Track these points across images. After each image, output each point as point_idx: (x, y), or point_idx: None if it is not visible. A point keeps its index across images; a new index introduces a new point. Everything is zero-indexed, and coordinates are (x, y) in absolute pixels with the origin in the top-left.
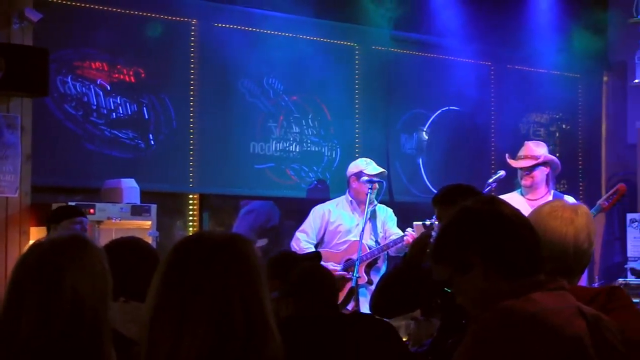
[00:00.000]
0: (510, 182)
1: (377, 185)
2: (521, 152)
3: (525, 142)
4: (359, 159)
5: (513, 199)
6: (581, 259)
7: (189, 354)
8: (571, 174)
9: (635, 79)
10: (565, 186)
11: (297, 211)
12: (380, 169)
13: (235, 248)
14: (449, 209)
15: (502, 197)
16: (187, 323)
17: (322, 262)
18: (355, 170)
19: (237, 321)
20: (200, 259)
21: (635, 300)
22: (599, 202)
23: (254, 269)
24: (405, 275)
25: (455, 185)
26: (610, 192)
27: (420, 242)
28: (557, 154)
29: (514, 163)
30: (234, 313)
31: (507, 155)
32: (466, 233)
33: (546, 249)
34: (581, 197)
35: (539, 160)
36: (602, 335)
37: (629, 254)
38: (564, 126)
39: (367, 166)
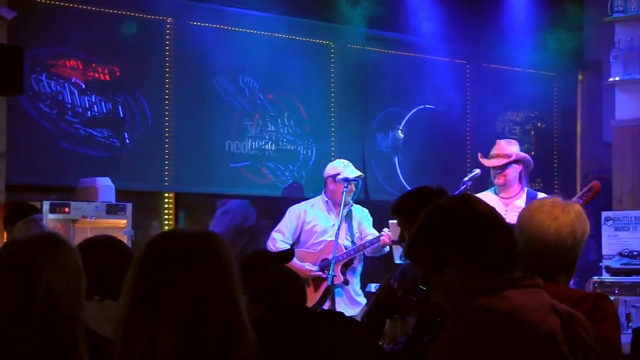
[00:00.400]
0: (484, 181)
1: (353, 187)
2: (493, 151)
3: (497, 140)
4: (337, 161)
5: (486, 197)
6: (563, 255)
7: (163, 352)
8: (546, 172)
9: (610, 78)
10: (541, 184)
11: (273, 210)
12: (358, 172)
13: (209, 246)
14: (403, 218)
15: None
16: (162, 321)
17: (298, 262)
18: (333, 172)
19: (211, 319)
20: (173, 256)
21: (610, 297)
22: (573, 199)
23: (227, 267)
24: (376, 314)
25: (411, 194)
26: (584, 189)
27: (385, 286)
28: (533, 152)
29: (486, 162)
30: (208, 311)
31: (479, 154)
32: (441, 231)
33: (529, 243)
34: (556, 195)
35: (511, 159)
36: (576, 333)
37: (604, 251)
38: (539, 124)
39: (345, 169)
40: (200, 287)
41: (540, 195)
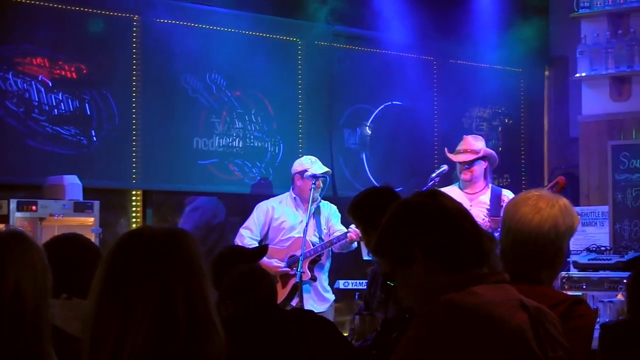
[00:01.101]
0: (449, 175)
1: (320, 183)
2: (460, 146)
3: (464, 136)
4: (304, 157)
5: (452, 192)
6: (544, 247)
7: (132, 351)
8: (514, 167)
9: (576, 73)
10: (508, 180)
11: (241, 207)
12: (326, 168)
13: (178, 243)
14: (361, 218)
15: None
16: (131, 319)
17: (266, 259)
18: (300, 169)
19: (181, 317)
20: (143, 254)
21: (577, 293)
22: None
23: (197, 265)
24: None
25: (367, 193)
26: (550, 184)
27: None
28: (500, 148)
29: (453, 157)
30: (177, 309)
31: (446, 149)
32: (407, 227)
33: (511, 234)
34: (523, 190)
35: (479, 155)
36: (544, 328)
37: (571, 247)
38: (506, 120)
39: (312, 165)
40: (169, 285)
41: (505, 191)
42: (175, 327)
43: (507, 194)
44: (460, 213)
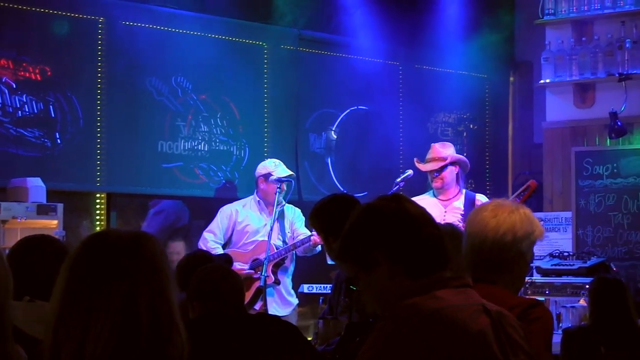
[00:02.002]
0: (423, 184)
1: (284, 187)
2: (428, 155)
3: (432, 144)
4: (268, 160)
5: (425, 200)
6: (500, 252)
7: (93, 352)
8: (478, 173)
9: (541, 80)
10: (473, 185)
11: (206, 210)
12: (289, 172)
13: (142, 246)
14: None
15: (415, 199)
16: (93, 321)
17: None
18: (264, 172)
19: (143, 320)
20: (106, 256)
21: (540, 298)
22: (510, 198)
23: (160, 267)
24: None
25: (329, 200)
26: (522, 188)
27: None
28: (465, 154)
29: (422, 167)
30: (140, 312)
31: (415, 159)
32: (370, 231)
33: (469, 239)
34: (488, 196)
35: (447, 161)
36: (505, 332)
37: (535, 252)
38: (471, 126)
39: (276, 168)
40: (132, 287)
41: (479, 196)
42: (137, 328)
43: (481, 199)
44: (423, 217)
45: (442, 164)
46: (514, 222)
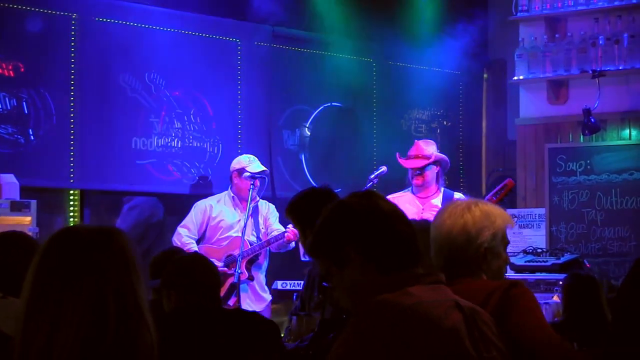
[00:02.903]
0: (402, 181)
1: (258, 183)
2: (412, 152)
3: (415, 141)
4: (242, 156)
5: (404, 197)
6: (459, 252)
7: (63, 345)
8: (452, 169)
9: (514, 76)
10: (447, 182)
11: (180, 207)
12: (263, 167)
13: (111, 240)
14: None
15: (393, 195)
16: (62, 315)
17: None
18: (238, 167)
19: (111, 313)
20: (74, 251)
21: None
22: (487, 197)
23: (129, 261)
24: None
25: (300, 195)
26: (498, 187)
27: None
28: (439, 150)
29: (405, 163)
30: (108, 305)
31: (397, 154)
32: (342, 228)
33: (431, 242)
34: (463, 192)
35: (430, 160)
36: (478, 328)
37: (508, 249)
38: (445, 123)
39: (250, 164)
40: (100, 281)
41: (457, 194)
42: (105, 322)
43: (460, 197)
44: (395, 214)
45: (426, 162)
46: (465, 222)
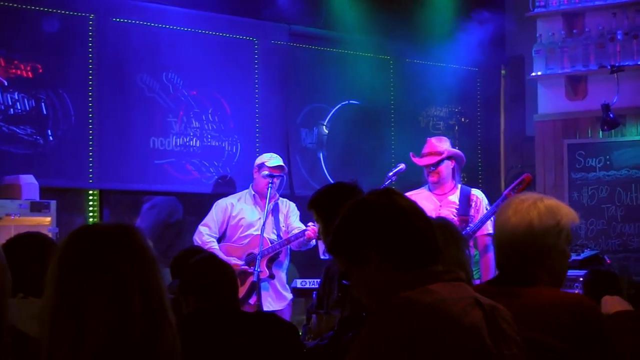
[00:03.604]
0: (419, 178)
1: (277, 181)
2: (424, 149)
3: (428, 138)
4: (266, 153)
5: (421, 194)
6: (523, 249)
7: (91, 345)
8: (470, 166)
9: (532, 72)
10: (465, 179)
11: (198, 206)
12: (280, 163)
13: (129, 237)
14: (317, 213)
15: (410, 193)
16: (89, 314)
17: (225, 257)
18: (259, 162)
19: (137, 311)
20: (95, 248)
21: None
22: (505, 192)
23: (150, 258)
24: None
25: (325, 189)
26: (516, 182)
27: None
28: (457, 147)
29: (418, 161)
30: (134, 303)
31: (411, 153)
32: (361, 226)
33: (495, 239)
34: (481, 189)
35: (443, 156)
36: (498, 325)
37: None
38: (463, 120)
39: (270, 159)
40: (124, 278)
41: (474, 191)
42: (132, 319)
43: (477, 194)
44: (414, 211)
45: (439, 158)
46: (531, 218)
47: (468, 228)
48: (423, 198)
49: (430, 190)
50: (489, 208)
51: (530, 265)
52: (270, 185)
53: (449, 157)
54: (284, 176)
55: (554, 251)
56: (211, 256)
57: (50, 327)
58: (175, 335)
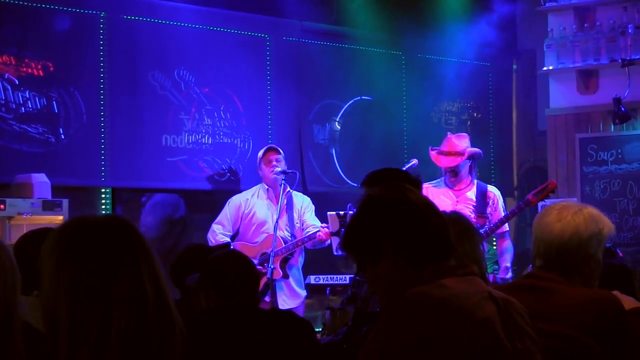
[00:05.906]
0: (429, 173)
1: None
2: (444, 147)
3: (448, 135)
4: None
5: (439, 190)
6: (567, 256)
7: (116, 338)
8: (483, 161)
9: (544, 67)
10: (478, 174)
11: (210, 203)
12: (268, 146)
13: (126, 229)
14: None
15: (428, 184)
16: (114, 305)
17: None
18: (258, 157)
19: (151, 298)
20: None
21: None
22: (528, 196)
23: (150, 247)
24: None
25: (383, 170)
26: (540, 187)
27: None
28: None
29: (438, 161)
30: (147, 291)
31: (430, 148)
32: (375, 222)
33: (537, 244)
34: (494, 184)
35: (465, 157)
36: (512, 319)
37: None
38: (475, 114)
39: (261, 152)
40: (141, 268)
41: (491, 188)
42: (147, 306)
43: (493, 190)
44: (427, 206)
45: (461, 160)
46: (577, 224)
47: (486, 226)
48: (439, 194)
49: (446, 185)
50: (504, 206)
51: (572, 272)
52: (283, 182)
53: (469, 157)
54: (297, 173)
55: (592, 260)
56: (234, 252)
57: (69, 319)
58: (181, 324)
